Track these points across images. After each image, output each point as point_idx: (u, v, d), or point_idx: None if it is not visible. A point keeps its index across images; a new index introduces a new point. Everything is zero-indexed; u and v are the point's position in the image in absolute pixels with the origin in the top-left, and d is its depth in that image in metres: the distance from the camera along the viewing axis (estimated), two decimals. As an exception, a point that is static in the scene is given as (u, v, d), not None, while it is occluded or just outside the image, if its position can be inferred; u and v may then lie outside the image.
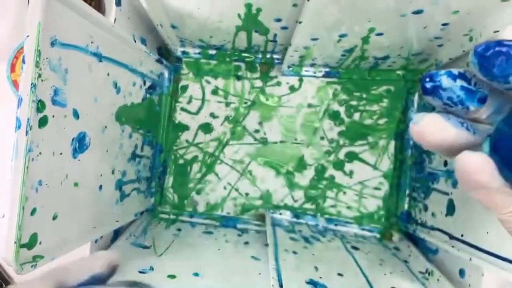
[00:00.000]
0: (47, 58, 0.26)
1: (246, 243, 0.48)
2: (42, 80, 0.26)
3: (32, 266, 0.26)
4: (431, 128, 0.16)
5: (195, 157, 0.55)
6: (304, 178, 0.54)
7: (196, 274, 0.39)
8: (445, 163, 0.41)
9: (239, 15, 0.42)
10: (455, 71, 0.16)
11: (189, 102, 0.55)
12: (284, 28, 0.44)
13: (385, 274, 0.41)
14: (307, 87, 0.54)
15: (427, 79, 0.17)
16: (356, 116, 0.53)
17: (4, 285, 0.53)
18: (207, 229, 0.52)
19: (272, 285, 0.34)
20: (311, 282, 0.37)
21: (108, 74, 0.36)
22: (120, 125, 0.41)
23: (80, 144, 0.32)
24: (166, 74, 0.54)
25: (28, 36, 0.25)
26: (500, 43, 0.14)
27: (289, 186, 0.54)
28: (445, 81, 0.16)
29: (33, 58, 0.25)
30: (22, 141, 0.25)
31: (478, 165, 0.15)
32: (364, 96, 0.53)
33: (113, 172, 0.40)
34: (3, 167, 0.34)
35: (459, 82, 0.16)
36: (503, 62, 0.14)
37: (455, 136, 0.16)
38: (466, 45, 0.39)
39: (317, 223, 0.53)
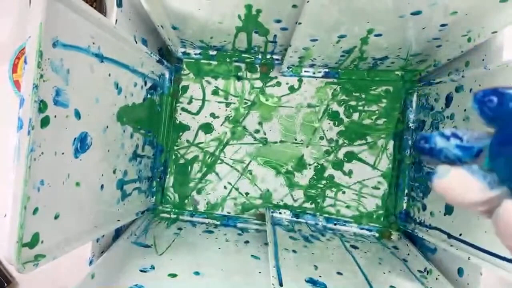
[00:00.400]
0: (49, 59, 0.27)
1: (246, 242, 0.48)
2: (44, 81, 0.26)
3: (34, 265, 0.27)
4: (456, 182, 0.16)
5: (195, 157, 0.55)
6: (304, 177, 0.54)
7: (196, 273, 0.39)
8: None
9: (239, 16, 0.42)
10: (447, 131, 0.17)
11: (190, 102, 0.56)
12: (283, 29, 0.44)
13: (384, 273, 0.41)
14: (306, 88, 0.54)
15: (422, 141, 0.18)
16: (355, 116, 0.53)
17: (5, 284, 0.54)
18: (207, 228, 0.52)
19: (272, 284, 0.35)
20: (310, 280, 0.37)
21: (109, 75, 0.37)
22: (121, 125, 0.41)
23: (81, 144, 0.32)
24: (167, 75, 0.54)
25: (29, 37, 0.25)
26: (495, 91, 0.16)
27: (288, 185, 0.54)
28: (440, 141, 0.18)
29: (35, 58, 0.25)
30: (24, 141, 0.25)
31: None
32: (363, 96, 0.53)
33: (114, 172, 0.40)
34: (5, 167, 0.34)
35: (453, 141, 0.17)
36: (499, 107, 0.16)
37: (478, 190, 0.16)
38: (464, 46, 0.39)
39: (316, 222, 0.53)
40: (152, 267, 0.39)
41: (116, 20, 0.40)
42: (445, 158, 0.17)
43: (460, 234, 0.38)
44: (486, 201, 0.16)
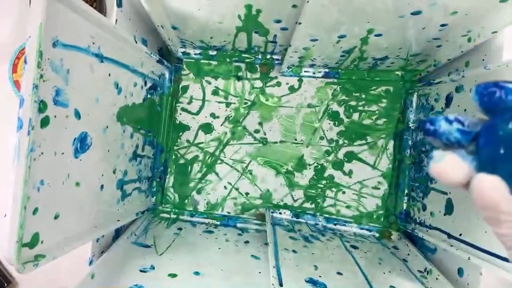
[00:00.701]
0: (48, 58, 0.27)
1: (246, 242, 0.48)
2: (44, 81, 0.26)
3: (34, 265, 0.27)
4: (450, 167, 0.18)
5: (195, 157, 0.55)
6: (304, 177, 0.54)
7: (196, 273, 0.39)
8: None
9: (239, 16, 0.42)
10: (451, 116, 0.19)
11: (190, 102, 0.56)
12: (283, 29, 0.44)
13: (384, 273, 0.41)
14: (306, 88, 0.54)
15: (428, 124, 0.20)
16: (355, 116, 0.53)
17: (5, 284, 0.54)
18: (207, 228, 0.52)
19: (272, 284, 0.35)
20: (310, 280, 0.37)
21: (109, 75, 0.37)
22: (121, 125, 0.41)
23: (81, 144, 0.32)
24: (167, 75, 0.54)
25: (29, 37, 0.25)
26: (496, 84, 0.17)
27: (289, 185, 0.54)
28: (444, 125, 0.19)
29: (35, 58, 0.25)
30: (24, 141, 0.25)
31: (493, 183, 0.17)
32: (363, 96, 0.53)
33: (114, 172, 0.40)
34: (5, 167, 0.34)
35: (455, 125, 0.19)
36: (498, 99, 0.17)
37: (468, 173, 0.18)
38: (464, 46, 0.39)
39: (316, 222, 0.53)
40: (152, 267, 0.39)
41: (116, 20, 0.40)
42: (447, 140, 0.19)
43: (460, 234, 0.38)
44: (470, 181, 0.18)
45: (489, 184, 0.17)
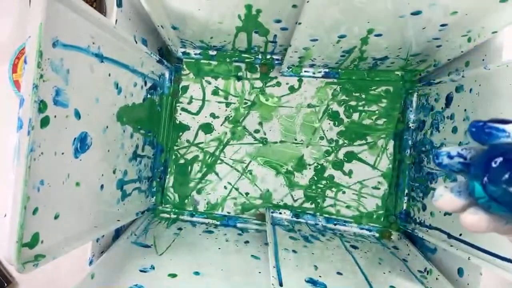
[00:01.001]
0: (48, 58, 0.27)
1: (246, 242, 0.48)
2: (43, 81, 0.26)
3: (34, 265, 0.27)
4: (447, 203, 0.22)
5: (195, 157, 0.55)
6: (304, 177, 0.54)
7: (196, 273, 0.39)
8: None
9: (239, 16, 0.42)
10: (453, 152, 0.23)
11: (190, 102, 0.56)
12: (283, 29, 0.44)
13: (384, 273, 0.41)
14: (306, 88, 0.54)
15: (435, 157, 0.24)
16: (355, 116, 0.53)
17: (5, 284, 0.54)
18: (207, 228, 0.52)
19: (272, 284, 0.35)
20: (310, 280, 0.37)
21: (109, 75, 0.37)
22: (121, 125, 0.41)
23: (81, 144, 0.32)
24: (167, 75, 0.54)
25: (29, 37, 0.25)
26: (485, 123, 0.21)
27: (288, 185, 0.54)
28: (445, 160, 0.23)
29: (35, 58, 0.25)
30: (24, 141, 0.25)
31: (472, 221, 0.21)
32: (363, 96, 0.53)
33: (114, 172, 0.40)
34: (5, 167, 0.34)
35: (456, 159, 0.22)
36: (488, 135, 0.21)
37: (463, 205, 0.22)
38: (464, 46, 0.39)
39: (316, 222, 0.53)
40: (152, 267, 0.39)
41: (116, 20, 0.40)
42: (450, 170, 0.23)
43: (460, 234, 0.38)
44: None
45: (470, 222, 0.21)
